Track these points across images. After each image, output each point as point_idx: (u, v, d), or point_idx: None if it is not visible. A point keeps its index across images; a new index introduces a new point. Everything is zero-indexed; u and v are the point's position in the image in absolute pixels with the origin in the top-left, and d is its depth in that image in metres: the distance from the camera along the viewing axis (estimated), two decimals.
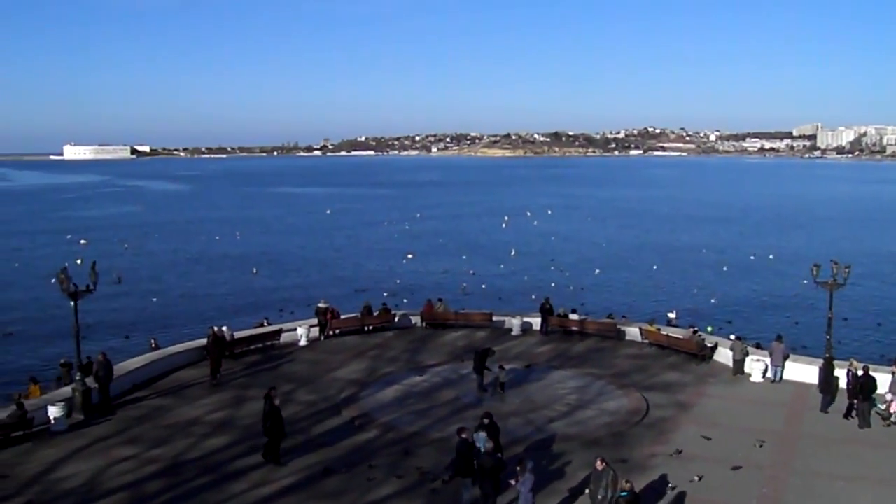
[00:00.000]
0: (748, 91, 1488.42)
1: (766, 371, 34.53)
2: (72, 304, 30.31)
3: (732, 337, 40.32)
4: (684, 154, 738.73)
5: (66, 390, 31.57)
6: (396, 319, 44.82)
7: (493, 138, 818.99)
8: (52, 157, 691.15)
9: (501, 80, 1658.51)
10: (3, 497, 23.23)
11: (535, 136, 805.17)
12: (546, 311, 43.07)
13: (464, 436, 22.89)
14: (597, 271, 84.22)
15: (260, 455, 25.71)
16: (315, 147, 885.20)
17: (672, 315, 55.52)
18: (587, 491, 21.52)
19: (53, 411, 28.90)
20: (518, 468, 21.39)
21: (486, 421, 24.13)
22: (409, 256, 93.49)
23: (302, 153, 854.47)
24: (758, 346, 38.25)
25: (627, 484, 20.34)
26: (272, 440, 25.60)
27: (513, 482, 21.41)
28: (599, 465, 20.86)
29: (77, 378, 30.80)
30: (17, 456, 26.36)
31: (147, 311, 65.98)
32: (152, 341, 42.50)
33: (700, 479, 23.87)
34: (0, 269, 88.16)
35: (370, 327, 43.93)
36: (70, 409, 29.80)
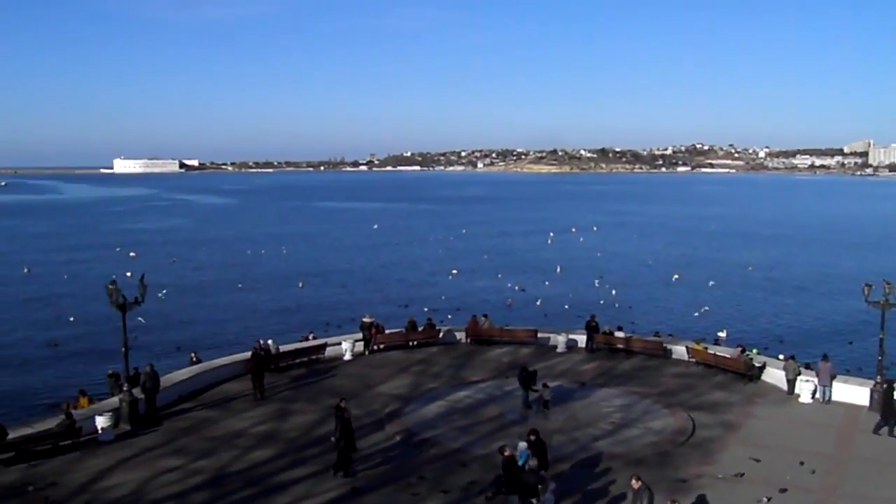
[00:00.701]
0: (798, 107, 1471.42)
1: (815, 392, 33.93)
2: (120, 315, 30.72)
3: (781, 357, 39.65)
4: (732, 171, 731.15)
5: (114, 401, 32.01)
6: (441, 335, 44.81)
7: (538, 154, 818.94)
8: (103, 171, 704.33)
9: (547, 95, 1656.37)
10: None
11: (582, 152, 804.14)
12: (591, 329, 42.78)
13: (507, 453, 22.77)
14: (643, 289, 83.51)
15: (331, 468, 25.78)
16: (361, 162, 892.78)
17: (722, 334, 54.74)
18: None
19: (101, 421, 29.29)
20: (539, 487, 21.24)
21: (532, 438, 23.95)
22: (454, 272, 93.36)
23: (348, 168, 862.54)
24: (807, 367, 37.57)
25: None
26: (343, 452, 25.61)
27: (534, 501, 21.29)
28: (635, 484, 20.65)
29: (124, 389, 31.18)
30: (66, 464, 26.75)
31: (194, 323, 66.56)
32: (192, 356, 42.77)
33: (769, 500, 23.50)
34: (50, 280, 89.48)
35: (415, 342, 43.97)
36: (117, 420, 30.18)
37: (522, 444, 23.96)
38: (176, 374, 36.83)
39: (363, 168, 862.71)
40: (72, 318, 67.37)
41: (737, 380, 36.94)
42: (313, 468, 26.24)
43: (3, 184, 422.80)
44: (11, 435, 28.02)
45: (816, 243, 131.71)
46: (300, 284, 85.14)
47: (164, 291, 73.74)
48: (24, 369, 52.12)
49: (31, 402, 43.95)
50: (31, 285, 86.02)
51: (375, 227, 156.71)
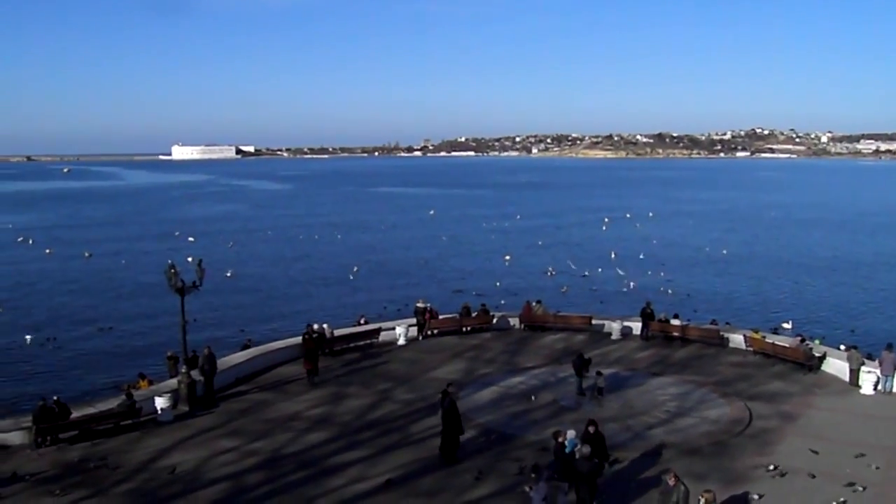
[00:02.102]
0: (862, 90, 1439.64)
1: (877, 383, 33.25)
2: (179, 299, 31.20)
3: (843, 347, 38.94)
4: (794, 156, 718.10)
5: (173, 382, 32.59)
6: (495, 321, 44.76)
7: (594, 139, 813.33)
8: (161, 157, 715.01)
9: (604, 80, 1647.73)
10: (114, 482, 24.19)
11: (638, 137, 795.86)
12: (647, 316, 42.39)
13: (560, 440, 22.70)
14: (700, 276, 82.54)
15: (438, 452, 26.05)
16: (415, 147, 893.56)
17: (787, 325, 53.57)
18: None
19: (160, 402, 29.86)
20: (532, 475, 21.05)
21: (591, 430, 23.64)
22: (507, 258, 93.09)
23: (402, 153, 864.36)
24: (869, 357, 36.79)
25: (708, 493, 19.71)
26: (449, 437, 25.72)
27: (527, 489, 21.12)
28: (672, 481, 20.22)
29: (183, 371, 31.71)
30: (127, 444, 27.37)
31: (250, 307, 67.24)
32: (247, 342, 43.17)
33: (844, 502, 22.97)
34: (111, 265, 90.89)
35: (468, 328, 44.01)
36: (176, 401, 30.73)
37: (571, 433, 23.75)
38: (233, 356, 37.39)
39: (417, 153, 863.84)
40: (132, 302, 68.68)
41: (796, 370, 36.33)
42: (367, 451, 26.45)
43: (66, 170, 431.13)
44: (75, 414, 28.74)
45: (883, 231, 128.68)
46: (355, 269, 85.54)
47: (222, 276, 74.70)
48: (85, 351, 53.12)
49: (92, 383, 44.81)
50: (92, 269, 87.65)
51: (431, 213, 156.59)
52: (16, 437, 27.56)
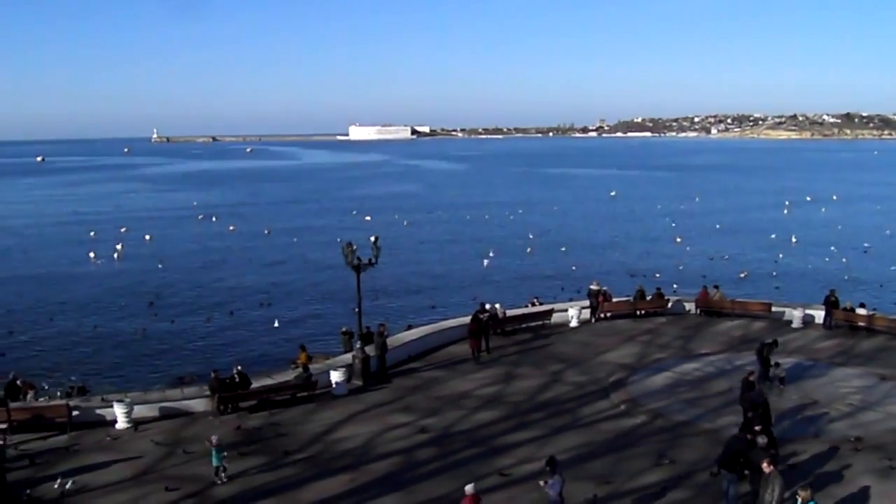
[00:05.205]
0: None
1: None
2: (355, 276, 32.05)
3: None
4: None
5: (347, 357, 33.53)
6: (670, 305, 43.77)
7: (777, 120, 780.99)
8: (339, 138, 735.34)
9: (788, 56, 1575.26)
10: (289, 451, 25.18)
11: (824, 117, 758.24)
12: (831, 304, 40.32)
13: (750, 436, 21.50)
14: (890, 264, 77.94)
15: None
16: (590, 128, 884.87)
17: None
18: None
19: (335, 376, 30.78)
20: (547, 468, 20.16)
21: (757, 428, 22.58)
22: (679, 240, 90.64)
23: (577, 134, 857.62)
24: None
25: (805, 492, 18.53)
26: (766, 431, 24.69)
27: (542, 483, 20.27)
28: (767, 469, 19.24)
29: (357, 346, 32.56)
30: (303, 415, 28.42)
31: (425, 285, 68.33)
32: (407, 327, 43.75)
33: None
34: (289, 242, 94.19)
35: (642, 312, 43.23)
36: (350, 376, 31.57)
37: (762, 440, 22.53)
38: (406, 333, 38.19)
39: (592, 134, 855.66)
40: (311, 278, 71.13)
41: None
42: (537, 432, 26.37)
43: (248, 150, 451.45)
44: (254, 385, 30.04)
45: None
46: (528, 250, 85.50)
47: (397, 254, 76.16)
48: (264, 324, 55.06)
49: (270, 355, 46.50)
50: (272, 245, 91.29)
51: (613, 194, 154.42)
52: (199, 405, 29.26)
